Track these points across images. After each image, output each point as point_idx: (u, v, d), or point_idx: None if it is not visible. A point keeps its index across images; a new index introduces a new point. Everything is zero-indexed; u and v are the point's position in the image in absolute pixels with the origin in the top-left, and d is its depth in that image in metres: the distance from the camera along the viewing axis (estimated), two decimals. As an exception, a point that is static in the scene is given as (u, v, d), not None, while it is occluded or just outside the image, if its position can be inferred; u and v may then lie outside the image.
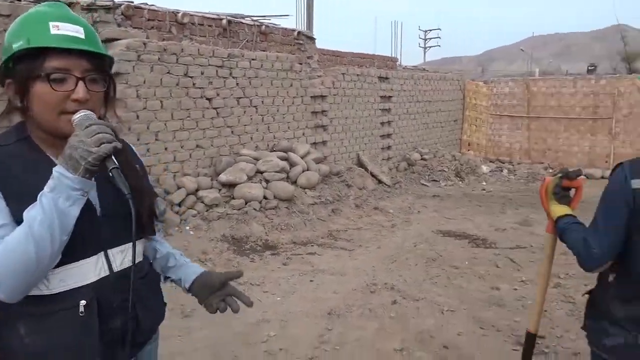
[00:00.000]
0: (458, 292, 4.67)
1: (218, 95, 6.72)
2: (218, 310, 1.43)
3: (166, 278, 1.53)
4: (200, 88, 6.49)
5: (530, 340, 2.22)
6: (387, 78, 10.18)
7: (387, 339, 3.71)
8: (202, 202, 6.19)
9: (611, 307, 1.68)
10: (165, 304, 1.49)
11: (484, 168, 11.37)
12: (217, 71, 6.66)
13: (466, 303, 4.42)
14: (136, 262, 1.22)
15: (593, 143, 11.48)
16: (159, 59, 6.08)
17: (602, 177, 11.14)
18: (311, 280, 4.85)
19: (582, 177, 1.93)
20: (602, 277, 1.75)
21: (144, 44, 5.97)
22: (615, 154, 11.24)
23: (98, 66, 1.23)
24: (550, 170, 11.64)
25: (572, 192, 1.95)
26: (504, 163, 12.37)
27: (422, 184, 10.06)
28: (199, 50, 6.54)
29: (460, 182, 10.43)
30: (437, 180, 10.38)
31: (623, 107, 11.09)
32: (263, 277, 4.92)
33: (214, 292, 1.43)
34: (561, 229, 1.83)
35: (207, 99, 6.58)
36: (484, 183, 10.62)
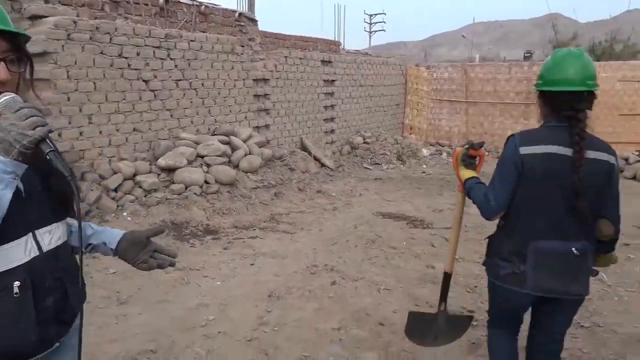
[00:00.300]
0: (395, 272, 4.83)
1: (155, 77, 6.53)
2: (158, 267, 1.49)
3: (87, 247, 1.53)
4: (136, 69, 6.28)
5: (446, 278, 2.82)
6: (330, 62, 10.21)
7: (325, 319, 3.80)
8: (141, 187, 6.03)
9: (500, 245, 2.21)
10: (85, 283, 1.49)
11: (425, 151, 11.71)
12: (154, 52, 6.46)
13: (402, 281, 4.59)
14: (62, 242, 1.31)
15: (526, 127, 12.03)
16: (90, 38, 5.82)
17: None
18: (252, 264, 4.87)
19: (484, 148, 2.46)
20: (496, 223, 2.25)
21: (74, 22, 5.69)
22: (545, 138, 11.86)
23: (14, 46, 1.21)
24: (487, 153, 12.14)
25: (477, 160, 2.41)
26: (443, 146, 12.78)
27: (365, 167, 10.25)
28: (134, 29, 6.30)
29: (402, 165, 10.69)
30: (379, 164, 10.59)
31: (553, 93, 11.68)
32: (203, 262, 4.89)
33: (142, 249, 1.48)
34: (468, 188, 2.31)
35: (143, 80, 6.38)
36: (424, 166, 10.94)
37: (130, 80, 6.26)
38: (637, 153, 9.80)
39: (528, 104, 12.00)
